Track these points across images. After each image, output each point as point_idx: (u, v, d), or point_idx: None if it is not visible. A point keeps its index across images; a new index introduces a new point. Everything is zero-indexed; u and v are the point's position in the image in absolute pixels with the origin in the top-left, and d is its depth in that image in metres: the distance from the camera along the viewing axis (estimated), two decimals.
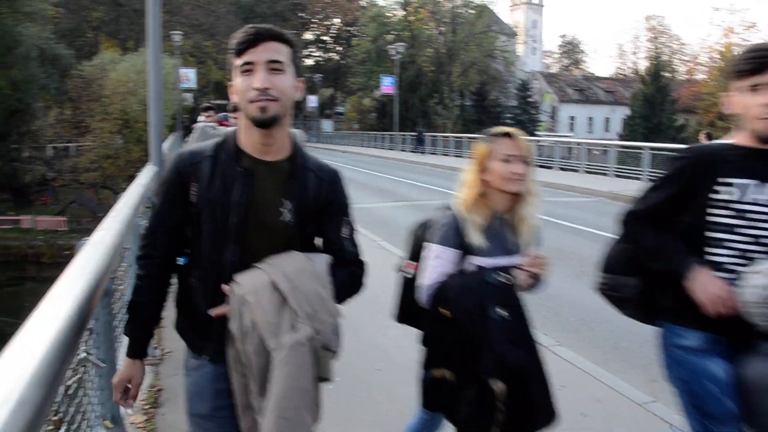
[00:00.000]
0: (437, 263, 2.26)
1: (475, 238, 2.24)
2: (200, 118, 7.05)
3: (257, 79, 1.60)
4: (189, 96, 41.90)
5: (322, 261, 1.74)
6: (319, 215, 1.79)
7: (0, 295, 24.43)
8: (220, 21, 49.32)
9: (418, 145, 34.74)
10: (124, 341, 3.36)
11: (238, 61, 1.63)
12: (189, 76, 38.14)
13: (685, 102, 53.21)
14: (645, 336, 5.13)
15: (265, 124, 1.63)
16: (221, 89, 60.25)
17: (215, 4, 50.18)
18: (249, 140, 1.71)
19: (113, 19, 46.61)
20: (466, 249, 2.25)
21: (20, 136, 32.74)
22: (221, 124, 7.34)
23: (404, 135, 37.80)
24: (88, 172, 29.66)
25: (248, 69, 1.62)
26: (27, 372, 0.93)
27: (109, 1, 45.76)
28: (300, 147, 1.77)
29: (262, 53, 1.61)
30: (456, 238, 2.26)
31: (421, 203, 13.50)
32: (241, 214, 1.68)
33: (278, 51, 1.64)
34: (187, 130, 51.91)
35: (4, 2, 30.50)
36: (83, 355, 2.14)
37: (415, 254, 2.48)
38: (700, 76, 60.44)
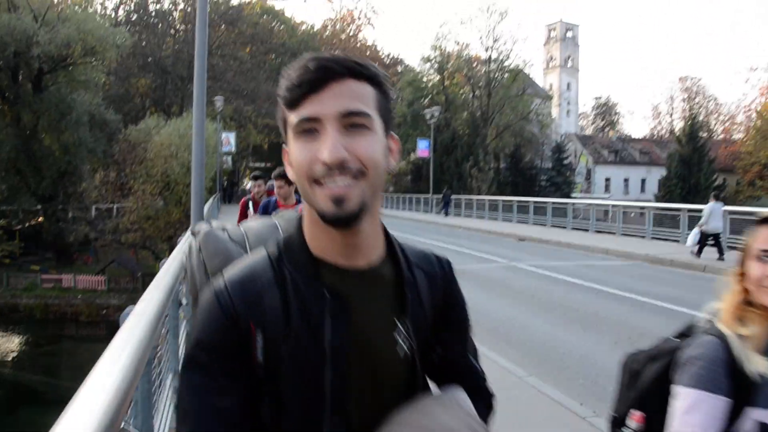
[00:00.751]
0: (696, 419, 1.47)
1: (760, 374, 1.47)
2: (249, 185, 7.12)
3: (326, 145, 0.96)
4: (228, 159, 43.06)
5: (466, 406, 1.13)
6: (436, 330, 1.18)
7: (37, 353, 24.78)
8: (260, 86, 51.10)
9: (445, 207, 34.97)
10: (161, 409, 3.42)
11: (293, 117, 1.01)
12: (230, 139, 39.30)
13: (723, 162, 52.62)
14: None
15: (344, 221, 0.98)
16: (259, 152, 61.94)
17: (256, 71, 52.13)
18: (324, 241, 1.05)
19: (159, 86, 48.64)
20: (742, 395, 1.48)
21: (67, 197, 33.90)
22: (269, 194, 7.20)
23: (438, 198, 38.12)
24: (129, 232, 30.38)
25: (310, 128, 0.99)
26: None
27: (156, 69, 47.85)
28: (393, 236, 1.14)
29: (331, 102, 0.97)
30: (725, 377, 1.48)
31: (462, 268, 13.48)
32: (340, 365, 1.02)
33: (358, 95, 0.99)
34: (225, 193, 53.09)
35: (62, 71, 32.20)
36: (122, 425, 2.18)
37: (641, 400, 1.73)
38: (737, 136, 59.87)
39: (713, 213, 14.50)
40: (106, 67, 36.79)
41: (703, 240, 14.51)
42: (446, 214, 34.11)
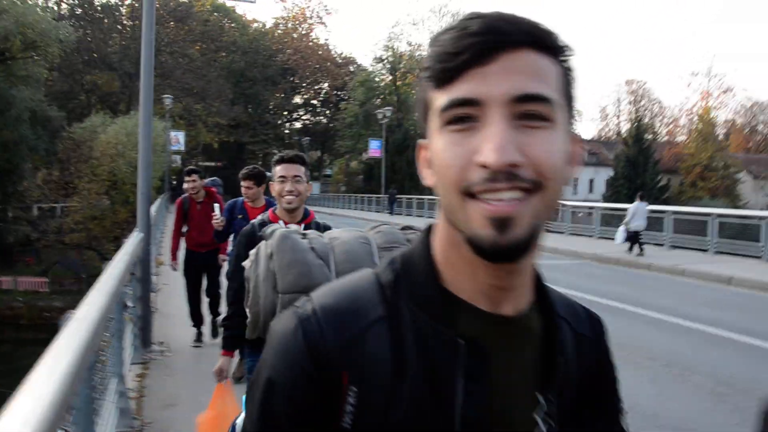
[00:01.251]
0: None
1: None
2: (185, 185, 6.57)
3: (491, 139, 0.65)
4: (177, 158, 42.26)
5: None
6: (579, 410, 0.83)
7: None
8: (210, 85, 50.32)
9: (390, 205, 36.29)
10: (104, 414, 3.33)
11: (441, 98, 0.69)
12: (179, 138, 38.59)
13: (667, 163, 54.28)
14: (631, 401, 5.10)
15: (506, 253, 0.67)
16: (210, 151, 61.01)
17: (206, 69, 51.31)
18: (465, 275, 0.74)
19: (105, 82, 47.39)
20: None
21: (6, 197, 32.65)
22: (209, 192, 6.57)
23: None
24: (73, 233, 29.51)
25: (466, 115, 0.67)
26: None
27: (101, 65, 46.61)
28: (542, 273, 0.81)
29: (501, 79, 0.66)
30: None
31: None
32: None
33: (537, 72, 0.67)
34: (174, 192, 52.15)
35: (0, 66, 31.00)
36: None
37: None
38: (680, 138, 61.90)
39: (637, 212, 15.58)
40: (49, 62, 35.58)
41: (632, 238, 15.58)
42: (391, 212, 34.88)
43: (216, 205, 5.55)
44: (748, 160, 59.68)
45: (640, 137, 49.50)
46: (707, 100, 57.98)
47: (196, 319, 6.55)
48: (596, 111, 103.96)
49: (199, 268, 6.53)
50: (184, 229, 6.64)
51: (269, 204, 4.66)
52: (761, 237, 14.99)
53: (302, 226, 2.82)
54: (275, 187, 2.97)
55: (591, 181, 67.49)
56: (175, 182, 54.30)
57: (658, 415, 4.88)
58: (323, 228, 2.75)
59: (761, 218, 15.62)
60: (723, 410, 5.03)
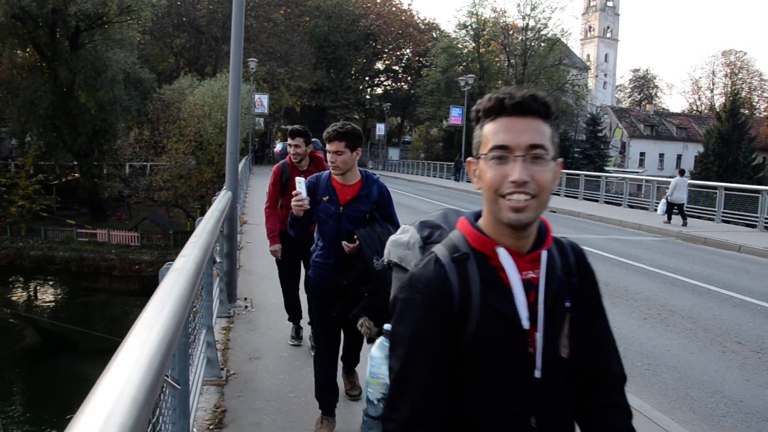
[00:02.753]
0: None
1: None
2: (279, 146, 6.17)
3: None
4: (261, 121, 43.16)
5: None
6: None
7: (74, 304, 25.51)
8: (294, 49, 50.87)
9: (456, 173, 37.00)
10: (195, 362, 3.51)
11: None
12: (262, 101, 39.37)
13: (764, 140, 51.22)
14: (717, 387, 4.95)
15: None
16: (291, 115, 61.97)
17: (290, 33, 51.86)
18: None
19: (193, 45, 48.73)
20: None
21: (101, 155, 34.45)
22: (315, 159, 5.38)
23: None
24: (162, 190, 30.83)
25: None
26: (126, 398, 1.01)
27: (190, 29, 47.90)
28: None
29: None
30: None
31: None
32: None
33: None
34: (257, 155, 53.15)
35: (98, 30, 32.42)
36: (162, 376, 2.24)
37: None
38: None
39: (678, 186, 16.55)
40: (142, 26, 36.90)
41: (670, 209, 16.77)
42: (457, 179, 35.15)
43: (300, 180, 3.57)
44: None
45: (735, 112, 46.82)
46: None
47: (294, 314, 5.46)
48: (688, 83, 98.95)
49: (294, 254, 5.14)
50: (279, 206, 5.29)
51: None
52: None
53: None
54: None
55: (679, 157, 64.61)
56: (257, 145, 55.67)
57: (745, 402, 4.69)
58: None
59: None
60: None
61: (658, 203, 21.30)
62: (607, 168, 50.60)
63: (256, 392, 4.23)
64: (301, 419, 3.81)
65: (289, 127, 4.88)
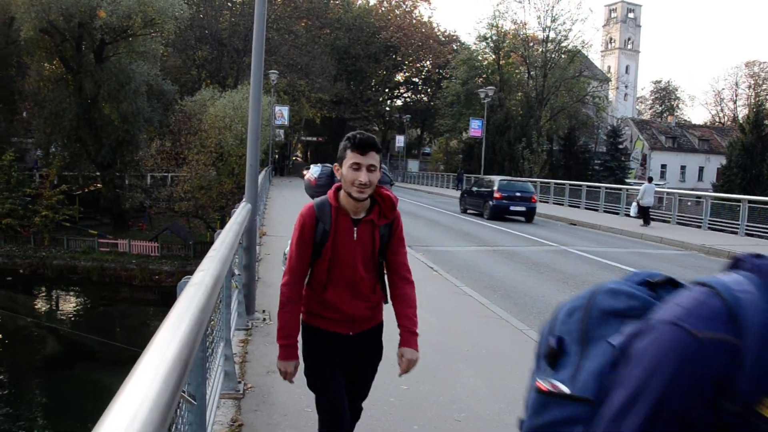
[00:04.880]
0: None
1: None
2: (314, 171, 3.23)
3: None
4: (281, 132, 43.42)
5: None
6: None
7: (93, 314, 25.74)
8: (314, 61, 51.22)
9: (458, 183, 39.32)
10: (212, 376, 3.49)
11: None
12: (283, 113, 39.62)
13: None
14: None
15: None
16: (311, 126, 62.24)
17: (310, 45, 52.23)
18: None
19: (215, 58, 49.28)
20: None
21: (124, 165, 34.86)
22: (381, 194, 2.89)
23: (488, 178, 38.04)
24: (182, 201, 31.06)
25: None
26: (141, 417, 0.99)
27: (212, 41, 48.46)
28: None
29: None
30: None
31: (503, 248, 13.32)
32: None
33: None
34: (277, 166, 53.37)
35: (122, 43, 32.94)
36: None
37: None
38: None
39: (647, 191, 19.22)
40: (165, 38, 37.40)
41: (642, 211, 19.22)
42: (457, 188, 38.08)
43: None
44: None
45: (759, 123, 46.12)
46: None
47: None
48: (710, 95, 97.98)
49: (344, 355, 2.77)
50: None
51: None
52: None
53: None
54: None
55: (701, 169, 63.90)
56: (277, 156, 55.95)
57: None
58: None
59: None
60: None
61: (680, 216, 21.10)
62: (627, 180, 50.09)
63: (273, 406, 4.20)
64: None
65: (356, 136, 2.52)
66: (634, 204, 19.80)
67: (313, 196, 2.98)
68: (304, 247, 2.62)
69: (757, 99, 57.68)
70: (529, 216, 20.39)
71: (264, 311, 6.61)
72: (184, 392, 2.27)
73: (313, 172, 3.16)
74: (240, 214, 5.17)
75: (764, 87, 65.38)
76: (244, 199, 6.51)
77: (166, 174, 36.43)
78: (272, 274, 8.66)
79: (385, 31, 62.67)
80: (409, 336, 2.70)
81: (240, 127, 28.34)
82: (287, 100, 46.05)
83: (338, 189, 2.60)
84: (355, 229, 2.60)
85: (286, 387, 4.54)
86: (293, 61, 49.54)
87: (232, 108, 29.99)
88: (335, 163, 2.61)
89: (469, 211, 22.54)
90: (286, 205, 21.01)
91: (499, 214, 20.19)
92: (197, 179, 30.58)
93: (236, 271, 5.52)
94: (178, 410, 2.32)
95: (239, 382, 4.46)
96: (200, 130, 30.95)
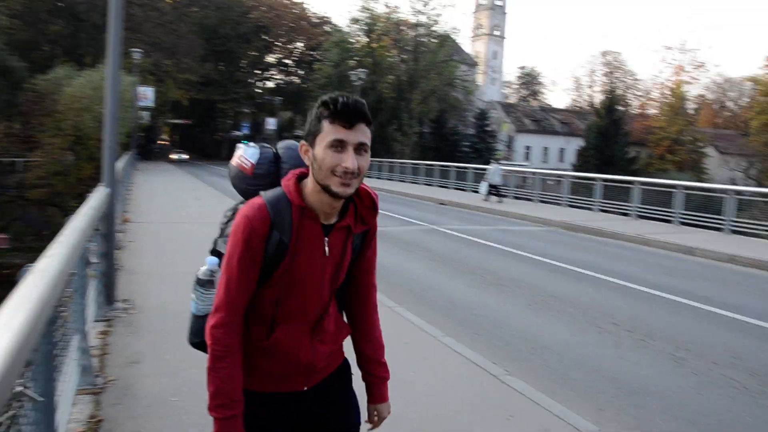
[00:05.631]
0: None
1: None
2: (251, 154, 1.85)
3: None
4: (146, 114, 41.30)
5: None
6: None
7: None
8: (181, 40, 49.02)
9: None
10: (64, 372, 3.26)
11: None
12: (147, 94, 37.62)
13: (637, 135, 54.90)
14: (593, 365, 5.23)
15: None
16: (179, 108, 59.72)
17: (177, 23, 49.89)
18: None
19: (71, 33, 45.84)
20: None
21: None
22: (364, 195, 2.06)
23: None
24: (35, 188, 28.81)
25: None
26: None
27: (67, 15, 45.01)
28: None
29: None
30: None
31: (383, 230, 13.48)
32: None
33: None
34: (143, 149, 50.95)
35: None
36: (19, 389, 2.03)
37: None
38: (651, 111, 62.49)
39: (494, 172, 21.54)
40: (9, 9, 34.25)
41: (490, 189, 21.24)
42: None
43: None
44: (715, 135, 60.62)
45: (612, 108, 49.84)
46: (680, 74, 58.46)
47: None
48: (570, 81, 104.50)
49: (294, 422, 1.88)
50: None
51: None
52: (724, 210, 15.30)
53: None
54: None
55: (562, 151, 68.03)
56: (142, 139, 53.19)
57: (618, 378, 4.98)
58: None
59: (724, 192, 15.93)
60: (680, 373, 5.14)
61: (543, 195, 22.39)
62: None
63: (136, 398, 4.01)
64: (184, 423, 3.64)
65: (337, 99, 1.61)
66: (484, 183, 21.82)
67: (247, 192, 1.97)
68: (251, 267, 1.68)
69: (610, 86, 62.03)
70: None
71: (126, 300, 6.29)
72: (26, 388, 2.10)
73: (248, 154, 2.03)
74: (96, 198, 4.86)
75: (617, 75, 70.41)
76: (101, 183, 6.13)
77: (15, 159, 33.59)
78: (136, 261, 8.26)
79: (256, 10, 61.18)
80: (383, 387, 2.00)
81: (100, 108, 26.61)
82: (153, 81, 43.72)
83: (299, 178, 1.74)
84: (327, 239, 1.73)
85: (150, 378, 4.36)
86: (159, 40, 47.04)
87: (91, 88, 28.05)
88: (302, 141, 1.71)
89: None
90: (153, 191, 20.10)
91: None
92: (53, 164, 28.45)
93: (93, 259, 5.19)
94: (20, 409, 2.13)
95: (97, 376, 4.22)
96: (55, 111, 28.75)
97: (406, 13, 55.38)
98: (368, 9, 54.44)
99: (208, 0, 57.32)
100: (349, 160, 1.58)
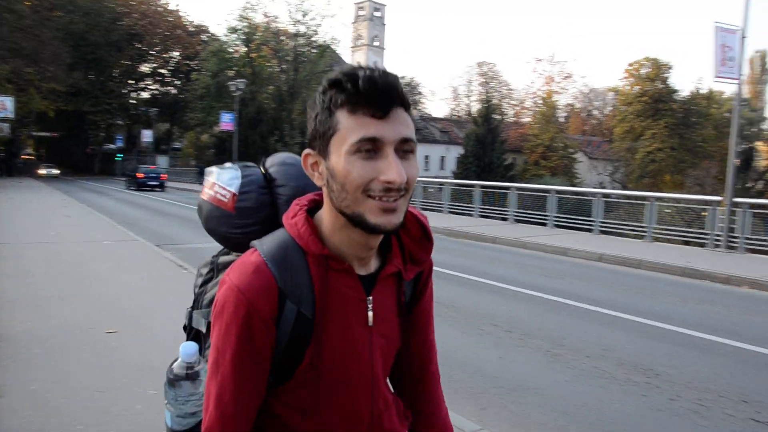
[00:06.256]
0: None
1: None
2: (223, 177, 1.24)
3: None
4: (5, 126, 38.34)
5: None
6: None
7: None
8: (44, 46, 45.86)
9: (199, 177, 39.14)
10: None
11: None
12: (5, 104, 34.92)
13: (513, 143, 57.56)
14: (475, 366, 5.38)
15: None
16: (44, 120, 55.93)
17: (39, 28, 46.60)
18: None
19: None
20: None
21: None
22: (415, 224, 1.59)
23: None
24: None
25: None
26: None
27: None
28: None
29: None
30: None
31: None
32: None
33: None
34: (4, 165, 47.32)
35: None
36: None
37: None
38: (526, 119, 65.82)
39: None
40: None
41: None
42: (201, 183, 38.81)
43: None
44: (583, 141, 64.94)
45: (488, 117, 51.85)
46: (550, 84, 62.00)
47: None
48: (449, 90, 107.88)
49: None
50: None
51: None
52: (593, 212, 16.37)
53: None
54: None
55: (442, 159, 70.07)
56: (3, 153, 49.35)
57: (499, 377, 5.15)
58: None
59: (593, 195, 17.07)
60: (556, 368, 5.40)
61: (425, 202, 22.91)
62: None
63: None
64: None
65: (356, 73, 1.09)
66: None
67: (228, 240, 1.43)
68: (254, 367, 1.08)
69: (486, 95, 64.68)
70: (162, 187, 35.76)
71: None
72: None
73: (224, 181, 1.43)
74: None
75: (492, 85, 73.48)
76: None
77: None
78: (2, 287, 7.60)
79: (128, 17, 58.58)
80: None
81: None
82: (12, 90, 40.64)
83: (310, 210, 1.15)
84: (370, 298, 1.15)
85: (12, 412, 3.99)
86: (17, 45, 43.74)
87: None
88: (306, 151, 1.11)
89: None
90: (16, 209, 18.67)
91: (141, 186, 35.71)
92: None
93: None
94: None
95: None
96: None
97: (285, 23, 55.04)
98: (246, 18, 53.57)
99: (73, 4, 54.17)
100: (392, 168, 0.99)
